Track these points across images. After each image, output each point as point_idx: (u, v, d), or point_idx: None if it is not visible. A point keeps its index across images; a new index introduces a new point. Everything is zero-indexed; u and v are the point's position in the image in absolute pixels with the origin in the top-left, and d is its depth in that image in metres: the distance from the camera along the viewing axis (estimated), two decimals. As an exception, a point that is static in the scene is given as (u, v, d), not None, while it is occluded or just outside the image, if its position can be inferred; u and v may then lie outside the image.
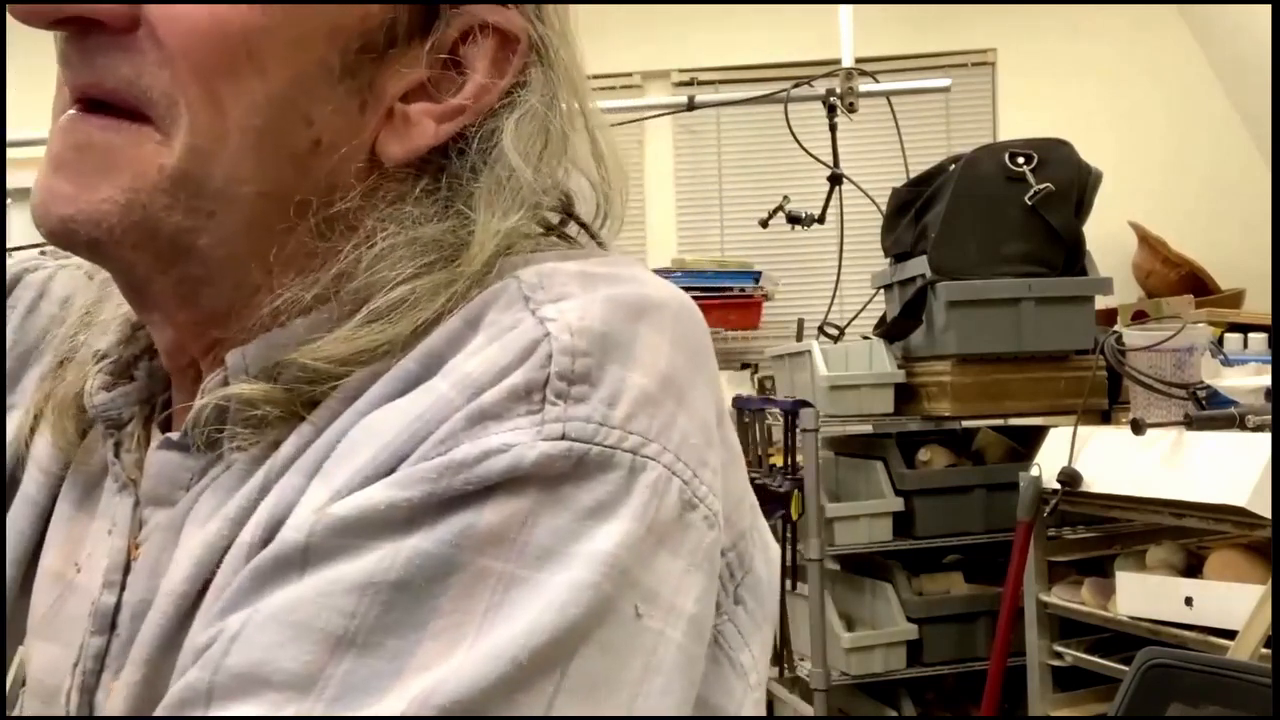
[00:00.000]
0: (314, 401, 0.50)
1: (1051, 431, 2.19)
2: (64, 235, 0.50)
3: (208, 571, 0.49)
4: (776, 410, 2.58)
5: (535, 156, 0.53)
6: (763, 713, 0.53)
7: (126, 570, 0.55)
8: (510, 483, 0.42)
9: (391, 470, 0.44)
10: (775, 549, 0.56)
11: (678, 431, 0.46)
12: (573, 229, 0.60)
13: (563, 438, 0.43)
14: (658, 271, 3.02)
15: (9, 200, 1.74)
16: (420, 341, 0.48)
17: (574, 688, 0.41)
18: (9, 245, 0.88)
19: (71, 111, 0.50)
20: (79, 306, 0.64)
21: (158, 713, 0.43)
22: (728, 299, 3.61)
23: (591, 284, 0.48)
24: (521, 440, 0.43)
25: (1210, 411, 1.86)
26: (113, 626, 0.54)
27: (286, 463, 0.49)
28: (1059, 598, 2.14)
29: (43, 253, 0.69)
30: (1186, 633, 1.79)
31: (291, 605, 0.41)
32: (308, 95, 0.50)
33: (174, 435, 0.54)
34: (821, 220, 2.89)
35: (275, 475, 0.49)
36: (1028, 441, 2.46)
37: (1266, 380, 1.92)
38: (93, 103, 0.50)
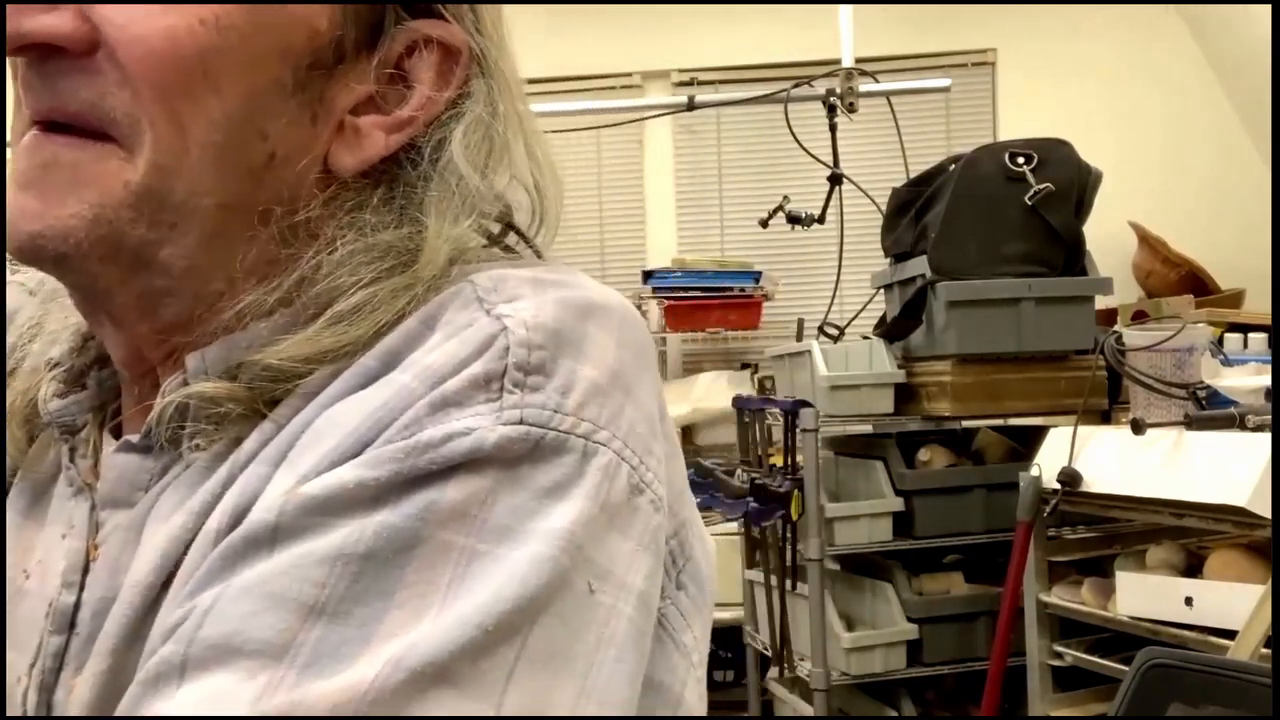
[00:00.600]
0: (275, 400, 0.52)
1: (1051, 431, 2.19)
2: (32, 251, 0.52)
3: (172, 562, 0.50)
4: (776, 410, 2.58)
5: (482, 163, 0.57)
6: (703, 690, 0.57)
7: (85, 571, 0.55)
8: (472, 463, 0.45)
9: (357, 454, 0.46)
10: (711, 543, 0.59)
11: (626, 421, 0.49)
12: (512, 239, 0.63)
13: (520, 422, 0.46)
14: (658, 271, 3.03)
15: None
16: (380, 341, 0.51)
17: (533, 656, 0.43)
18: None
19: (34, 131, 0.52)
20: (21, 321, 0.66)
21: (132, 688, 0.44)
22: (728, 299, 3.61)
23: (542, 288, 0.51)
24: (482, 424, 0.46)
25: (1210, 411, 1.86)
26: (72, 625, 0.55)
27: (250, 457, 0.51)
28: (1059, 598, 2.14)
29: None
30: (1186, 633, 1.79)
31: (264, 578, 0.43)
32: (262, 111, 0.53)
33: (133, 438, 0.56)
34: (821, 220, 2.89)
35: (239, 469, 0.51)
36: (1028, 441, 2.46)
37: (1266, 380, 1.92)
38: (55, 124, 0.52)
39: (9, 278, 0.70)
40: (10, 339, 0.65)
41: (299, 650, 0.41)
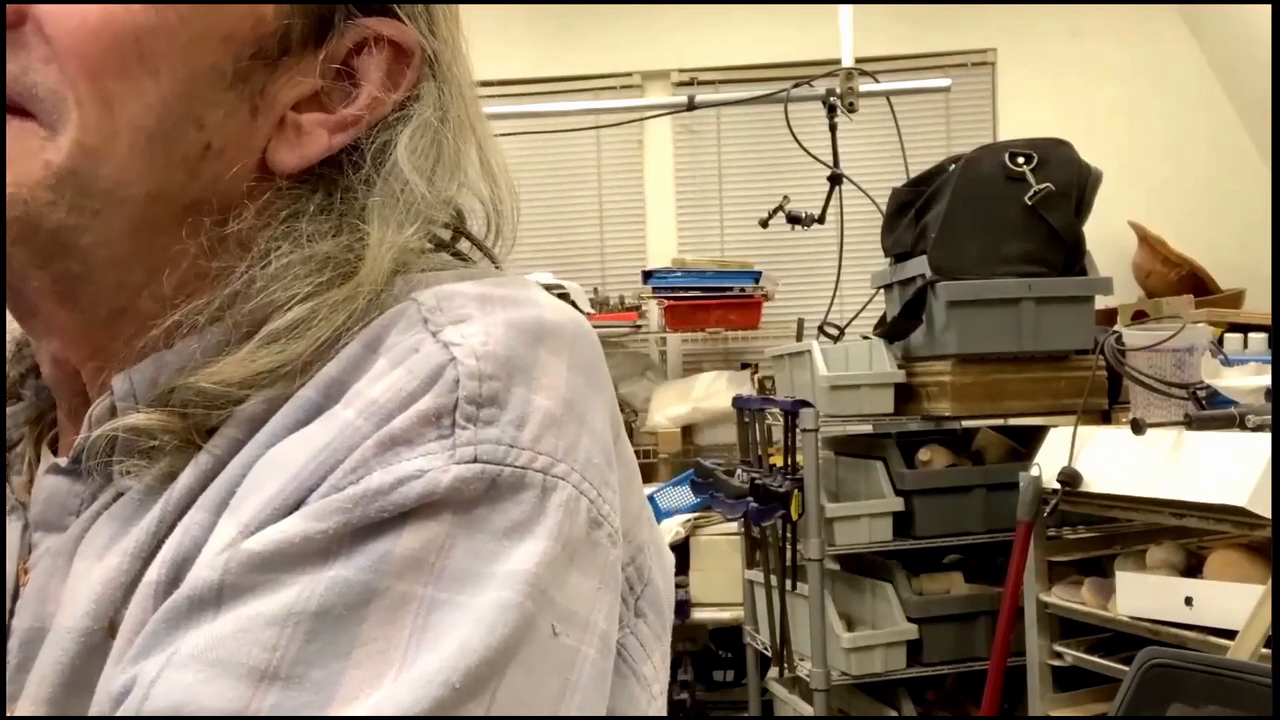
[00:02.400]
0: (211, 429, 0.49)
1: (1051, 431, 2.19)
2: None
3: (110, 609, 0.48)
4: (776, 410, 2.58)
5: (429, 170, 0.54)
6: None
7: (15, 596, 0.53)
8: (426, 508, 0.43)
9: (302, 501, 0.43)
10: (669, 557, 0.57)
11: (582, 451, 0.47)
12: (465, 246, 0.60)
13: (475, 460, 0.44)
14: (658, 271, 3.02)
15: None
16: (319, 363, 0.48)
17: (503, 709, 0.41)
18: None
19: None
20: None
21: None
22: (728, 299, 3.61)
23: (490, 307, 0.49)
24: (435, 465, 0.43)
25: (1210, 411, 1.86)
26: None
27: (186, 495, 0.48)
28: (1059, 598, 2.14)
29: None
30: (1186, 633, 1.79)
31: (210, 644, 0.40)
32: (200, 98, 0.50)
33: (62, 462, 0.53)
34: (821, 220, 2.89)
35: (174, 508, 0.48)
36: (1028, 441, 2.46)
37: (1266, 380, 1.91)
38: None
39: None
40: None
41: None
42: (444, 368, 0.46)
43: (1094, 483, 2.01)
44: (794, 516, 2.40)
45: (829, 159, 2.85)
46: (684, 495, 3.19)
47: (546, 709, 0.43)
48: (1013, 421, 2.53)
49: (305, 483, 0.44)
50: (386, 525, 0.42)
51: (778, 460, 2.58)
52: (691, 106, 2.97)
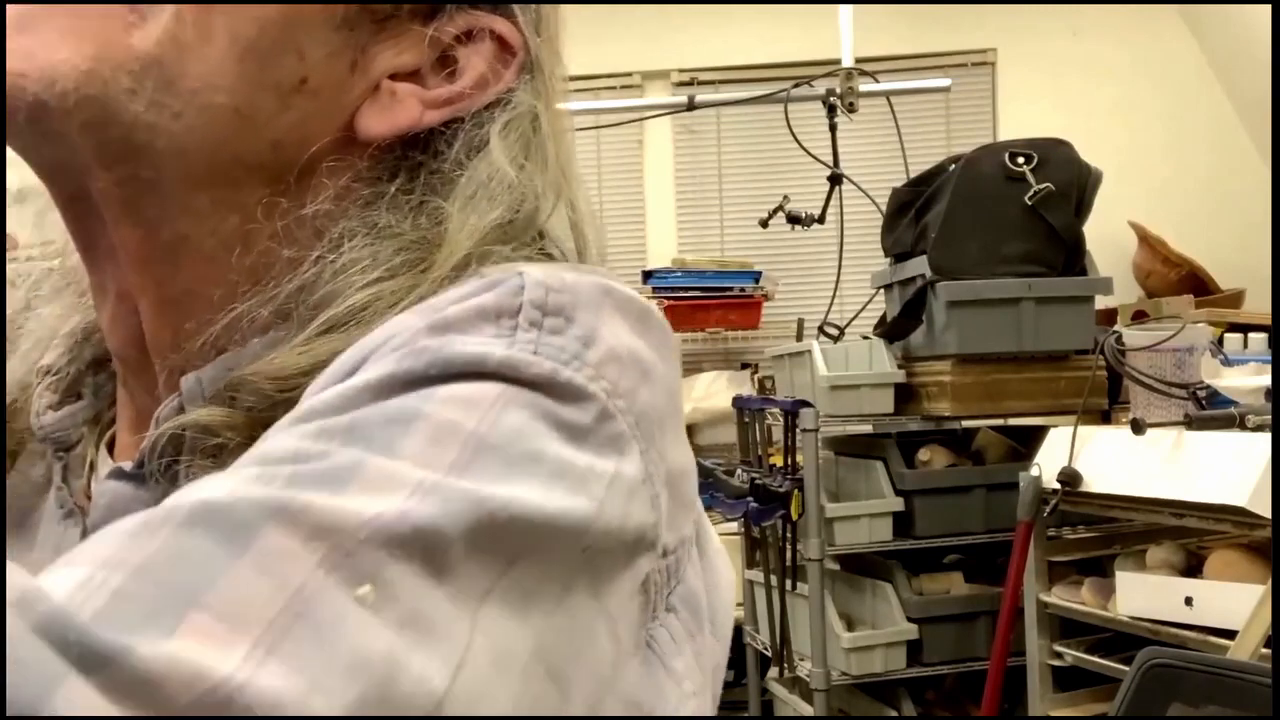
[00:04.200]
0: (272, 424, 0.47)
1: (1051, 431, 2.19)
2: (10, 93, 0.44)
3: None
4: (776, 410, 2.58)
5: (518, 165, 0.51)
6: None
7: None
8: (477, 374, 0.39)
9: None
10: (723, 572, 0.52)
11: (641, 401, 0.43)
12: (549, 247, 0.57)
13: (535, 354, 0.40)
14: (658, 271, 3.02)
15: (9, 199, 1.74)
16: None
17: (513, 584, 0.37)
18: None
19: None
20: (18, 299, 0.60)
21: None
22: (728, 299, 3.61)
23: (578, 274, 0.46)
24: (491, 347, 0.40)
25: (1210, 411, 1.86)
26: None
27: None
28: (1059, 598, 2.14)
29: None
30: (1186, 633, 1.79)
31: (236, 465, 0.37)
32: (305, 28, 0.48)
33: (126, 465, 0.50)
34: (821, 220, 2.89)
35: None
36: (1028, 441, 2.46)
37: (1266, 380, 1.91)
38: None
39: (23, 263, 0.64)
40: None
41: (275, 475, 0.35)
42: (508, 278, 0.43)
43: (1094, 483, 2.01)
44: (794, 516, 2.40)
45: (829, 159, 2.85)
46: (684, 495, 3.18)
47: (561, 616, 0.39)
48: (1013, 421, 2.53)
49: (344, 365, 0.41)
50: (434, 380, 0.39)
51: (778, 460, 2.58)
52: (691, 106, 2.98)
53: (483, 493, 0.36)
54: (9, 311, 0.59)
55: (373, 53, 0.50)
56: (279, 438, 0.38)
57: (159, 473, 0.48)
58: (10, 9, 0.45)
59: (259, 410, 0.46)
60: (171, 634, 0.30)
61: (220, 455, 0.46)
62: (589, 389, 0.41)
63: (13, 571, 0.29)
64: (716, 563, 0.52)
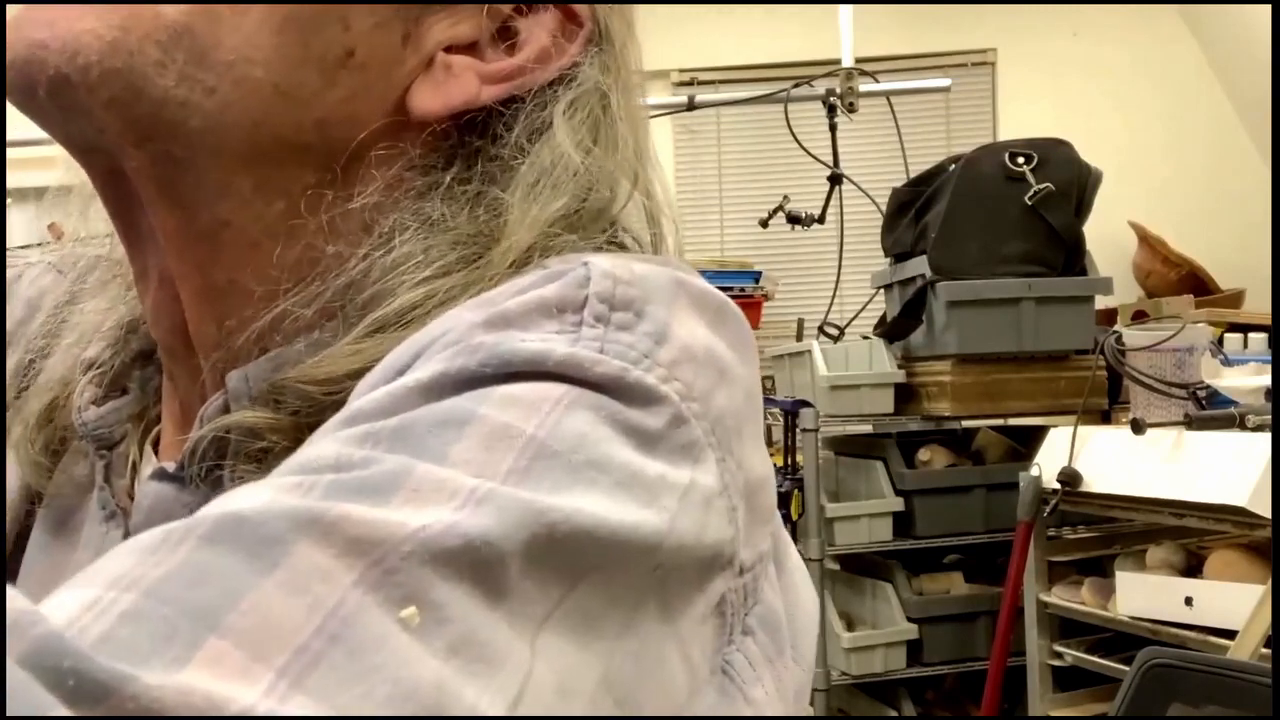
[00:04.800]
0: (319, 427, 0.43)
1: (1051, 431, 2.19)
2: (29, 65, 0.41)
3: None
4: (776, 410, 2.58)
5: (585, 149, 0.46)
6: None
7: None
8: (535, 373, 0.35)
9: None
10: (807, 594, 0.48)
11: (717, 405, 0.38)
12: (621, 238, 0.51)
13: (601, 352, 0.36)
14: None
15: (8, 200, 1.74)
16: None
17: (576, 606, 0.33)
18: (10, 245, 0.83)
19: None
20: (47, 306, 0.56)
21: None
22: (728, 299, 3.61)
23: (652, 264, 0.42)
24: (553, 343, 0.36)
25: (1210, 411, 1.86)
26: None
27: None
28: (1059, 598, 2.14)
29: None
30: (1186, 633, 1.79)
31: (276, 472, 0.34)
32: None
33: (169, 466, 0.47)
34: (821, 220, 2.89)
35: None
36: (1028, 441, 2.46)
37: (1266, 380, 1.91)
38: None
39: (36, 258, 0.61)
40: (31, 329, 0.55)
41: (314, 484, 0.31)
42: (572, 269, 0.39)
43: (1094, 483, 2.01)
44: (794, 516, 2.41)
45: (829, 159, 2.85)
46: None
47: (630, 640, 0.35)
48: (1013, 421, 2.53)
49: (394, 364, 0.38)
50: (489, 380, 0.35)
51: (778, 460, 2.58)
52: (691, 106, 2.97)
53: (542, 503, 0.32)
54: (50, 304, 0.57)
55: (426, 23, 0.46)
56: (322, 443, 0.35)
57: (200, 477, 0.45)
58: None
59: (305, 414, 0.42)
60: (185, 662, 0.26)
61: (265, 459, 0.43)
62: (661, 391, 0.36)
63: (10, 596, 0.26)
64: (797, 580, 0.47)
